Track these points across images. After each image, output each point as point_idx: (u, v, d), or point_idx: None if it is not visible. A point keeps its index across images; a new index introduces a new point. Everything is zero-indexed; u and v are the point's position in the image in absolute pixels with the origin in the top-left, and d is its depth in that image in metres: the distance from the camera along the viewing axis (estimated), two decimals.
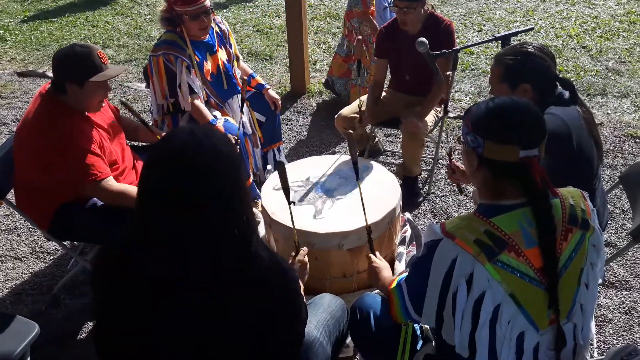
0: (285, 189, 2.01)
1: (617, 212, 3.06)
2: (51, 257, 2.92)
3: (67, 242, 2.71)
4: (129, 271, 1.23)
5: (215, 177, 1.18)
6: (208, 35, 2.93)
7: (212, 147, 1.20)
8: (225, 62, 3.02)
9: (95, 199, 2.36)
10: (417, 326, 1.67)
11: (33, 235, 3.06)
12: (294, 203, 2.23)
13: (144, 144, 2.85)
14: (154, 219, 1.19)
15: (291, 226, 2.21)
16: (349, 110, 3.28)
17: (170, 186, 1.17)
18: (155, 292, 1.20)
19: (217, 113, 2.96)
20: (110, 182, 2.25)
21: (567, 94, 2.01)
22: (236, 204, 1.22)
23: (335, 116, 3.30)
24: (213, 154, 1.19)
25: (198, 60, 2.86)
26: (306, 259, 1.87)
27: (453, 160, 2.29)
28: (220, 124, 2.84)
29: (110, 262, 1.27)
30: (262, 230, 2.66)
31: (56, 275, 2.78)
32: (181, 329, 1.21)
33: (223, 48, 3.04)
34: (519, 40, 4.45)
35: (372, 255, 1.96)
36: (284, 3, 4.44)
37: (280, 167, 2.03)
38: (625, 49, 5.21)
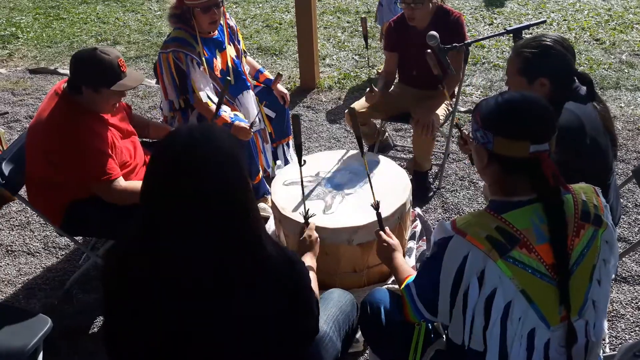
0: (298, 145, 1.98)
1: (630, 206, 3.03)
2: (63, 253, 2.94)
3: (79, 238, 2.73)
4: (137, 268, 1.23)
5: (216, 174, 1.18)
6: (217, 32, 2.92)
7: (211, 145, 1.20)
8: (234, 58, 3.02)
9: None
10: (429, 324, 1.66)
11: (45, 230, 3.10)
12: (305, 162, 2.20)
13: (155, 140, 2.86)
14: (157, 218, 1.20)
15: (301, 221, 2.21)
16: (359, 104, 3.26)
17: (171, 186, 1.17)
18: (163, 288, 1.21)
19: (227, 108, 2.96)
20: (121, 183, 2.28)
21: (584, 89, 1.98)
22: (240, 200, 1.22)
23: (346, 111, 3.28)
24: (212, 153, 1.19)
25: (207, 55, 2.86)
26: (315, 234, 1.89)
27: (463, 130, 2.26)
28: (227, 114, 2.84)
29: (120, 259, 1.28)
30: (272, 225, 2.66)
31: (68, 270, 2.81)
32: (191, 325, 1.21)
33: (232, 44, 3.04)
34: (531, 33, 4.41)
35: (381, 233, 1.92)
36: None
37: (295, 120, 2.00)
38: (639, 41, 5.14)
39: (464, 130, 2.23)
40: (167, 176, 1.18)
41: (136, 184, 2.31)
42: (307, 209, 2.04)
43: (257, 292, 1.23)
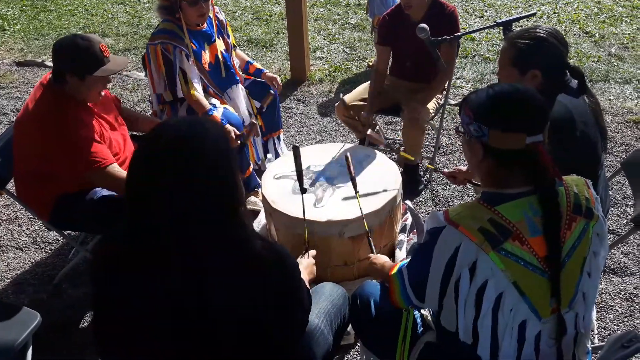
0: (299, 172, 1.99)
1: (619, 198, 3.05)
2: (52, 247, 2.92)
3: (68, 232, 2.71)
4: (125, 261, 1.22)
5: (204, 168, 1.17)
6: (206, 25, 2.90)
7: (200, 138, 1.18)
8: (223, 52, 3.00)
9: (95, 189, 2.36)
10: (417, 314, 1.67)
11: (34, 225, 3.07)
12: (306, 190, 2.22)
13: (145, 134, 2.83)
14: (142, 212, 1.18)
15: (292, 215, 2.21)
16: (350, 98, 3.25)
17: (157, 179, 1.16)
18: (151, 282, 1.20)
19: (216, 101, 2.94)
20: (116, 169, 2.25)
21: (575, 82, 1.99)
22: (227, 194, 1.21)
23: (337, 104, 3.28)
24: (200, 146, 1.18)
25: (195, 48, 2.84)
26: (313, 262, 1.84)
27: (444, 171, 2.35)
28: (218, 112, 2.82)
29: (108, 252, 1.27)
30: (262, 219, 2.66)
31: (57, 264, 2.79)
32: (179, 319, 1.20)
33: (221, 38, 3.02)
34: (521, 26, 4.41)
35: (371, 255, 1.95)
36: None
37: (295, 150, 1.99)
38: (628, 34, 5.17)
39: (445, 170, 2.34)
40: (153, 169, 1.17)
41: None
42: (307, 241, 2.03)
43: (246, 287, 1.23)
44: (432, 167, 2.56)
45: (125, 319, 1.24)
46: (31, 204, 2.40)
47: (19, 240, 2.97)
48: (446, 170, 2.36)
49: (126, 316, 1.23)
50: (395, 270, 1.54)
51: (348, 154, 2.31)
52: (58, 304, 2.55)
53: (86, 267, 2.70)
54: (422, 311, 1.68)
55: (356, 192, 2.19)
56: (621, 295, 2.46)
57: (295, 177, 2.45)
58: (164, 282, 1.19)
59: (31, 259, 2.84)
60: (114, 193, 2.34)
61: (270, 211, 2.33)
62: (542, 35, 1.92)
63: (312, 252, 1.91)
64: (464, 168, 2.34)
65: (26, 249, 2.91)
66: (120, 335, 1.25)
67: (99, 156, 2.20)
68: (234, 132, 2.72)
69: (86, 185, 2.34)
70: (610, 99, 4.12)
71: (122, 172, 2.25)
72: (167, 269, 1.19)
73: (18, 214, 3.16)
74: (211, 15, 2.92)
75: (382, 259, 1.82)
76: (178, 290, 1.19)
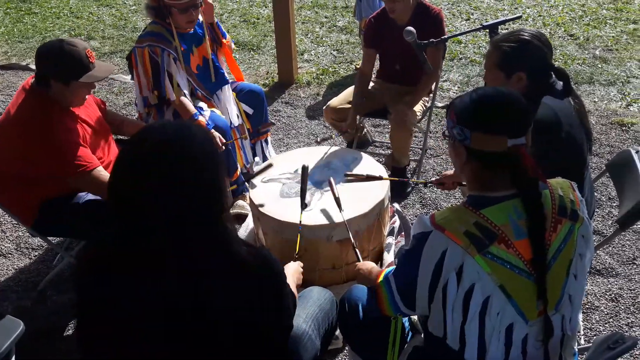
0: (303, 190, 1.99)
1: (604, 199, 3.08)
2: (36, 253, 2.88)
3: (52, 238, 2.67)
4: (108, 267, 1.20)
5: (187, 173, 1.16)
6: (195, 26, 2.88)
7: (186, 143, 1.17)
8: (212, 53, 2.98)
9: (80, 194, 2.33)
10: (406, 320, 1.66)
11: (18, 231, 3.02)
12: (307, 206, 2.23)
13: (130, 137, 2.81)
14: (125, 216, 1.17)
15: (280, 218, 2.20)
16: (337, 101, 3.25)
17: (141, 184, 1.14)
18: (135, 288, 1.18)
19: (203, 104, 2.92)
20: (102, 173, 2.22)
21: (560, 84, 2.00)
22: (211, 199, 1.20)
23: (324, 107, 3.27)
24: (186, 151, 1.17)
25: (184, 52, 2.82)
26: (300, 269, 1.85)
27: (432, 180, 2.40)
28: (205, 116, 2.80)
29: (91, 257, 1.25)
30: (250, 223, 2.65)
31: (42, 271, 2.75)
32: (163, 325, 1.19)
33: (211, 41, 3.00)
34: (507, 28, 4.45)
35: (360, 264, 1.93)
36: None
37: (304, 170, 2.05)
38: (612, 36, 5.23)
39: (434, 180, 2.39)
40: (137, 172, 1.16)
41: None
42: (297, 253, 2.03)
43: (230, 292, 1.21)
44: (422, 182, 2.59)
45: (115, 322, 1.22)
46: (14, 209, 2.36)
47: (2, 247, 2.92)
48: (434, 179, 2.37)
49: (115, 319, 1.21)
50: (381, 277, 1.54)
51: (331, 179, 2.30)
52: (42, 310, 2.52)
53: (71, 273, 2.67)
54: (412, 317, 1.68)
55: (341, 210, 2.17)
56: (607, 296, 2.48)
57: (282, 180, 2.45)
58: (157, 284, 1.18)
59: (15, 266, 2.80)
60: (98, 198, 2.31)
61: (258, 215, 2.32)
62: (526, 38, 1.94)
63: (300, 263, 1.90)
64: (450, 172, 2.35)
65: (9, 255, 2.87)
66: (108, 338, 1.23)
67: (83, 160, 2.18)
68: (219, 138, 2.71)
69: (71, 190, 2.32)
70: (594, 101, 4.16)
71: (107, 176, 2.23)
72: (159, 270, 1.17)
73: (1, 219, 3.11)
74: (201, 18, 2.91)
75: (369, 265, 1.81)
76: (173, 292, 1.18)
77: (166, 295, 1.18)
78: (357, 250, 2.04)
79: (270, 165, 2.58)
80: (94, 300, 1.25)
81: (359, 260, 1.98)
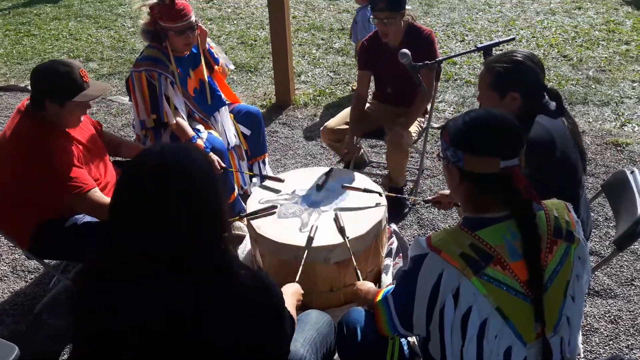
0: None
1: (601, 220, 3.09)
2: (32, 276, 2.86)
3: (49, 261, 2.66)
4: (105, 290, 1.20)
5: (186, 197, 1.16)
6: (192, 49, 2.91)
7: (184, 166, 1.18)
8: (208, 76, 3.01)
9: (76, 216, 2.33)
10: (404, 341, 1.66)
11: (14, 253, 3.00)
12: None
13: (127, 159, 2.82)
14: (124, 239, 1.17)
15: (277, 240, 2.20)
16: (334, 122, 3.28)
17: (141, 207, 1.15)
18: (131, 312, 1.18)
19: (200, 127, 2.93)
20: (97, 194, 2.22)
21: (553, 104, 2.03)
22: (210, 222, 1.20)
23: (322, 128, 3.29)
24: (183, 175, 1.17)
25: (182, 75, 2.85)
26: (300, 290, 1.85)
27: (428, 199, 2.43)
28: (202, 139, 2.81)
29: (87, 281, 1.24)
30: (247, 245, 2.64)
31: (38, 294, 2.73)
32: (159, 349, 1.18)
33: (207, 64, 3.02)
34: (501, 49, 4.50)
35: (359, 284, 1.92)
36: (268, 15, 4.45)
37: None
38: (605, 57, 5.30)
39: (430, 198, 2.43)
40: (137, 196, 1.16)
41: None
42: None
43: (228, 315, 1.21)
44: (418, 200, 2.60)
45: (104, 351, 1.20)
46: (10, 232, 2.35)
47: None
48: (429, 198, 2.38)
49: (105, 347, 1.20)
50: (380, 297, 1.54)
51: (338, 213, 2.28)
52: (39, 334, 2.49)
53: (67, 296, 2.65)
54: (409, 337, 1.67)
55: (344, 238, 2.16)
56: (606, 318, 2.47)
57: (280, 201, 2.45)
58: (144, 311, 1.17)
59: (10, 289, 2.77)
60: (95, 219, 2.31)
61: (255, 237, 2.32)
62: (519, 58, 1.97)
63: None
64: (447, 192, 2.36)
65: (5, 278, 2.85)
66: (105, 348, 1.21)
67: (79, 181, 2.18)
68: (217, 162, 2.72)
69: (67, 212, 2.31)
70: (589, 121, 4.20)
71: (103, 198, 2.23)
72: (146, 296, 1.17)
73: None
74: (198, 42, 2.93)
75: (367, 285, 1.81)
76: (158, 320, 1.17)
77: (167, 303, 1.17)
78: (357, 270, 2.03)
79: (280, 180, 2.59)
80: (83, 327, 1.24)
81: (359, 280, 1.98)
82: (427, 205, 3.30)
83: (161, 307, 1.17)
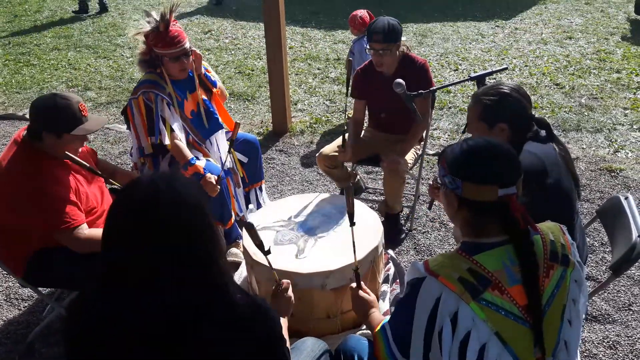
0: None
1: (597, 245, 3.09)
2: (26, 304, 2.83)
3: (43, 289, 2.63)
4: (98, 320, 1.19)
5: (180, 226, 1.16)
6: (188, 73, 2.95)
7: (174, 195, 1.18)
8: (205, 99, 3.04)
9: None
10: None
11: (8, 281, 2.98)
12: (269, 252, 2.18)
13: (121, 187, 2.82)
14: (117, 269, 1.17)
15: (273, 267, 2.18)
16: (330, 148, 3.30)
17: (133, 237, 1.15)
18: (125, 340, 1.17)
19: (198, 154, 2.95)
20: (84, 231, 2.22)
21: (543, 132, 2.06)
22: (204, 250, 1.20)
23: (317, 155, 3.32)
24: (176, 204, 1.17)
25: (179, 99, 2.88)
26: (290, 291, 1.84)
27: (430, 182, 2.32)
28: (200, 164, 2.83)
29: (81, 310, 1.24)
30: (243, 271, 2.63)
31: (31, 322, 2.69)
32: (162, 335, 1.16)
33: (202, 89, 3.06)
34: (495, 79, 4.58)
35: (362, 293, 1.90)
36: (265, 46, 4.52)
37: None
38: (597, 85, 5.38)
39: (436, 177, 2.30)
40: (128, 226, 1.16)
41: (99, 232, 2.26)
42: (277, 278, 2.00)
43: (224, 342, 1.20)
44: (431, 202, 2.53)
45: (114, 338, 1.19)
46: (4, 260, 2.34)
47: None
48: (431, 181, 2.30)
49: (115, 334, 1.19)
50: (379, 327, 1.53)
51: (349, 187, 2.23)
52: None
53: (61, 324, 2.61)
54: None
55: (352, 224, 2.10)
56: (604, 343, 2.45)
57: (276, 228, 2.45)
58: (139, 339, 1.16)
59: (3, 317, 2.74)
60: None
61: (252, 263, 2.31)
62: (505, 90, 2.02)
63: (286, 281, 1.87)
64: None
65: None
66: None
67: (68, 217, 2.19)
68: (214, 179, 2.72)
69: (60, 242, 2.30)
70: (583, 148, 4.24)
71: (87, 234, 2.23)
72: (141, 325, 1.16)
73: None
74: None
75: (373, 303, 1.81)
76: (153, 348, 1.16)
77: (142, 350, 1.16)
78: (359, 272, 1.96)
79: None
80: (77, 356, 1.22)
81: (358, 284, 1.92)
82: (422, 227, 3.30)
83: (159, 314, 1.16)
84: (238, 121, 2.70)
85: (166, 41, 2.73)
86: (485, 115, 2.02)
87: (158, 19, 2.73)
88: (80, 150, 2.33)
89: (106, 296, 1.20)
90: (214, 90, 3.09)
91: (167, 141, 2.80)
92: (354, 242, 1.97)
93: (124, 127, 4.77)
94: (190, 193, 1.21)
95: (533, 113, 2.10)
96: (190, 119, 2.96)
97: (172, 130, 2.81)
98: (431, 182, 2.29)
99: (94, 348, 1.19)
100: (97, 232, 2.26)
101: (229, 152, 2.89)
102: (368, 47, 3.10)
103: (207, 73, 3.06)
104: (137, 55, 2.86)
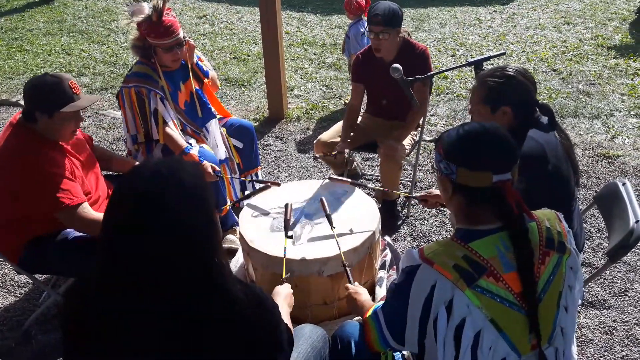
0: (287, 222, 2.00)
1: (593, 231, 3.10)
2: (22, 291, 2.82)
3: (39, 275, 2.62)
4: (97, 307, 1.18)
5: (181, 213, 1.15)
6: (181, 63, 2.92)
7: (177, 182, 1.17)
8: (198, 88, 3.01)
9: (66, 231, 2.30)
10: (398, 355, 1.64)
11: (3, 268, 2.97)
12: (291, 237, 2.23)
13: (118, 174, 2.80)
14: (118, 255, 1.16)
15: (270, 254, 2.18)
16: (328, 135, 3.28)
17: (134, 223, 1.13)
18: (124, 329, 1.16)
19: (192, 141, 2.93)
20: (86, 210, 2.20)
21: (545, 119, 2.04)
22: (204, 238, 1.19)
23: (315, 141, 3.30)
24: (178, 190, 1.16)
25: (171, 90, 2.85)
26: (290, 291, 1.85)
27: (416, 195, 2.40)
28: (194, 151, 2.81)
29: (79, 297, 1.23)
30: (240, 258, 2.62)
31: (27, 309, 2.69)
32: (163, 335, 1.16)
33: (195, 78, 3.03)
34: (492, 64, 4.55)
35: (349, 285, 1.93)
36: (260, 31, 4.48)
37: (286, 207, 2.08)
38: (595, 71, 5.36)
39: (418, 195, 2.39)
40: (130, 212, 1.15)
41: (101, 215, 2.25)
42: (283, 277, 2.01)
43: (224, 333, 1.19)
44: (406, 194, 2.60)
45: (112, 336, 1.18)
46: (0, 246, 2.32)
47: None
48: (418, 194, 2.37)
49: (114, 333, 1.18)
50: (370, 312, 1.52)
51: (323, 198, 2.32)
52: (27, 351, 2.45)
53: (57, 311, 2.61)
54: (404, 352, 1.65)
55: (332, 227, 2.18)
56: (600, 329, 2.47)
57: (273, 215, 2.44)
58: (136, 327, 1.15)
59: None
60: (85, 235, 2.29)
61: (248, 250, 2.30)
62: (511, 73, 1.99)
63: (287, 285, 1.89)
64: (436, 191, 2.36)
65: None
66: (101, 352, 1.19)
67: (69, 194, 2.16)
68: (212, 167, 2.71)
69: (58, 227, 2.29)
70: (580, 134, 4.23)
71: (92, 213, 2.21)
72: (139, 313, 1.15)
73: None
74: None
75: (363, 296, 1.80)
76: (151, 337, 1.15)
77: (139, 339, 1.15)
78: (348, 269, 2.01)
79: (268, 187, 2.59)
80: (74, 343, 1.21)
81: (349, 282, 1.95)
82: (419, 213, 3.30)
83: (158, 308, 1.15)
84: (276, 182, 2.63)
85: (159, 31, 2.69)
86: (488, 97, 1.99)
87: (147, 10, 2.69)
88: (77, 133, 2.30)
89: (103, 287, 1.18)
90: (206, 80, 3.06)
91: (155, 136, 2.78)
92: (337, 240, 1.97)
93: (119, 112, 4.73)
94: (193, 180, 1.19)
95: (537, 99, 2.07)
96: (184, 110, 2.93)
97: (164, 122, 2.78)
98: (419, 195, 2.34)
99: (90, 340, 1.19)
100: (100, 215, 2.25)
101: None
102: (367, 30, 3.07)
103: (199, 62, 3.02)
104: (131, 39, 2.82)
